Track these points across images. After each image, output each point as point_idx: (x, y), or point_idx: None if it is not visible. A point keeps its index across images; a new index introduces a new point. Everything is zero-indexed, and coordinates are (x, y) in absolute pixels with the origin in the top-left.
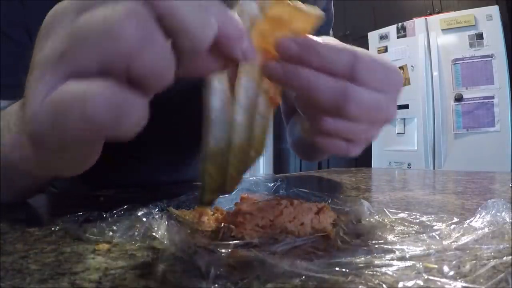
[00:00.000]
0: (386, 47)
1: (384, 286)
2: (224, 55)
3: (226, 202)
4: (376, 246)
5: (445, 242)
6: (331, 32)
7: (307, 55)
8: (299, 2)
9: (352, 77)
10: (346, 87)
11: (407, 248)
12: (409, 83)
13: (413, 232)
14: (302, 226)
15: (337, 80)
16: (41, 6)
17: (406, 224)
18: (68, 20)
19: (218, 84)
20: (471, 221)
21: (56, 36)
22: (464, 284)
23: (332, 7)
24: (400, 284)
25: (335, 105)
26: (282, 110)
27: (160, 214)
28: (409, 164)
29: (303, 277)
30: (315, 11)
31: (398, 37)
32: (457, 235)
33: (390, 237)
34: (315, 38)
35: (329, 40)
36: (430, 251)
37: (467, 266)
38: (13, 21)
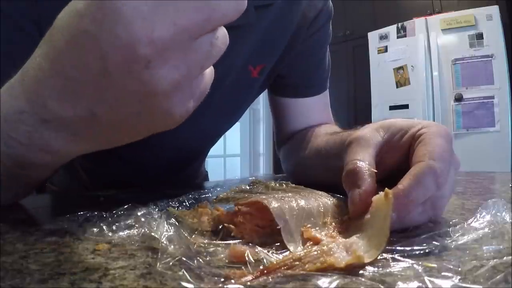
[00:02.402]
0: (386, 47)
1: (383, 286)
2: None
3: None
4: None
5: (445, 242)
6: (330, 27)
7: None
8: None
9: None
10: (435, 206)
11: (406, 248)
12: (409, 83)
13: (412, 231)
14: None
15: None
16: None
17: None
18: None
19: None
20: (471, 221)
21: None
22: (464, 284)
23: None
24: (400, 284)
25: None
26: (275, 136)
27: (160, 214)
28: None
29: (302, 277)
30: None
31: (398, 37)
32: (457, 235)
33: (390, 237)
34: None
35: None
36: (430, 251)
37: (467, 266)
38: (25, 13)
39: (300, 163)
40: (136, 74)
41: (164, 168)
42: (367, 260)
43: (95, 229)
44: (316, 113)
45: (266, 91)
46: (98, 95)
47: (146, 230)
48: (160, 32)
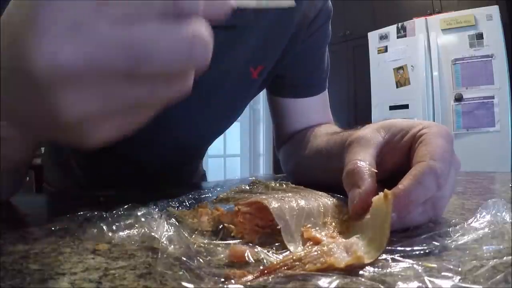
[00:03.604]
0: (386, 47)
1: (383, 286)
2: None
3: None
4: None
5: (445, 242)
6: (329, 27)
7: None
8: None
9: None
10: (435, 207)
11: (406, 248)
12: (409, 83)
13: (413, 232)
14: None
15: (425, 209)
16: None
17: None
18: None
19: None
20: (471, 221)
21: None
22: (464, 284)
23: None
24: (400, 284)
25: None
26: (275, 136)
27: (160, 214)
28: None
29: (302, 277)
30: None
31: (398, 37)
32: (457, 235)
33: (390, 237)
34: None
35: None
36: (430, 251)
37: (467, 266)
38: None
39: (300, 163)
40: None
41: (162, 167)
42: (367, 261)
43: (95, 229)
44: (315, 113)
45: (265, 91)
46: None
47: (146, 230)
48: (66, 58)
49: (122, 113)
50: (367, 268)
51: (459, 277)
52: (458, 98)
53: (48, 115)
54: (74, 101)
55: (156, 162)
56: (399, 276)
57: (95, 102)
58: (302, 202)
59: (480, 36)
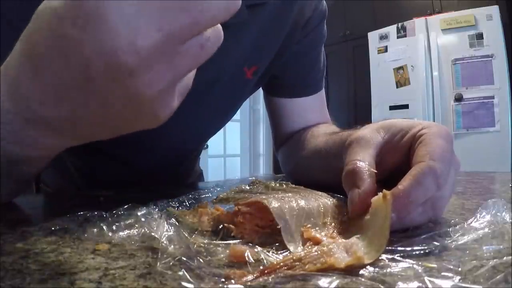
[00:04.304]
0: (386, 47)
1: (383, 286)
2: None
3: None
4: None
5: (445, 242)
6: (325, 27)
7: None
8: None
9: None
10: (435, 207)
11: (407, 248)
12: (409, 83)
13: (413, 232)
14: None
15: (425, 209)
16: None
17: None
18: None
19: None
20: (471, 221)
21: None
22: (464, 284)
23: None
24: (400, 284)
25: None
26: (273, 137)
27: (160, 214)
28: None
29: (302, 277)
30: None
31: (398, 37)
32: (457, 235)
33: (390, 237)
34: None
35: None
36: (430, 251)
37: (467, 266)
38: (21, 13)
39: (299, 163)
40: (119, 82)
41: (157, 167)
42: (367, 261)
43: (95, 229)
44: (313, 113)
45: (263, 93)
46: (81, 99)
47: (146, 230)
48: (144, 39)
49: (180, 81)
50: (367, 268)
51: (459, 277)
52: (458, 98)
53: (128, 99)
54: (150, 79)
55: (150, 162)
56: (399, 276)
57: (165, 75)
58: (302, 202)
59: (480, 36)
